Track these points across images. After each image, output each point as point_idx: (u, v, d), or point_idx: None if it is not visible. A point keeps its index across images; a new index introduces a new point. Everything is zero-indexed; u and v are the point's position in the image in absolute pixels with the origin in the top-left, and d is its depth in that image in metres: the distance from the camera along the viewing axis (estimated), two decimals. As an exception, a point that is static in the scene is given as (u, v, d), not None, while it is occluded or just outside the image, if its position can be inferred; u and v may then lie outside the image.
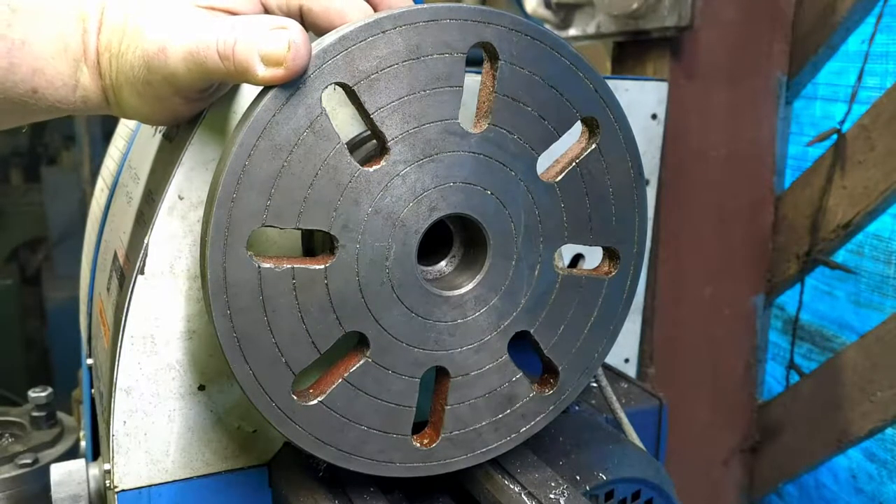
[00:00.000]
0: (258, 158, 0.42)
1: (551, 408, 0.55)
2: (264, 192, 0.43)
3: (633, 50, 1.04)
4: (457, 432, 0.52)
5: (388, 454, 0.51)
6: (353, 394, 0.49)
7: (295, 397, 0.47)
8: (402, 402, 0.50)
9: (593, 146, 0.51)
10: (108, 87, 0.49)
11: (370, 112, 0.44)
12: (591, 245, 0.53)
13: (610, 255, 0.55)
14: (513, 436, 0.55)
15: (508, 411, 0.54)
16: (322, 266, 0.45)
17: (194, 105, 0.50)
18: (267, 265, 0.44)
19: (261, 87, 0.43)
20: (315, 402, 0.48)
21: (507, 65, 0.46)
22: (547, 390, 0.55)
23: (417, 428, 0.52)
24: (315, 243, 0.53)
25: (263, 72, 0.42)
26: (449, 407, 0.52)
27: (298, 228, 0.44)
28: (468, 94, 0.47)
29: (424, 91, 0.45)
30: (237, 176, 0.42)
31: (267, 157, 0.42)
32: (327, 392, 0.48)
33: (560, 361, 0.54)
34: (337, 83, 0.43)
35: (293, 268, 0.45)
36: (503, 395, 0.53)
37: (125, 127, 0.86)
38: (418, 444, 0.52)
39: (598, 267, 0.55)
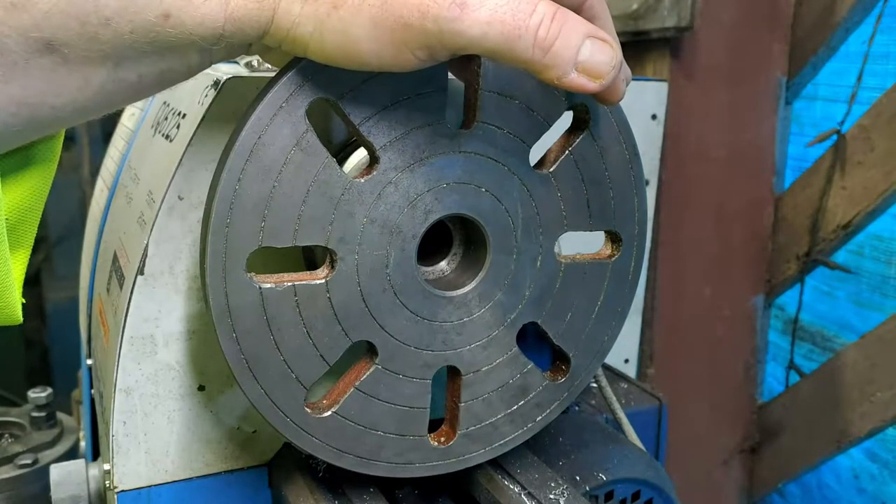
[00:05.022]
0: (248, 182, 0.42)
1: (566, 394, 0.56)
2: (258, 214, 0.43)
3: (632, 50, 1.04)
4: (473, 428, 0.53)
5: (406, 456, 0.51)
6: (366, 401, 0.49)
7: (308, 410, 0.47)
8: (416, 404, 0.50)
9: (585, 132, 0.50)
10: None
11: (356, 123, 0.43)
12: (591, 230, 0.53)
13: (612, 238, 0.55)
14: (529, 425, 0.55)
15: (523, 402, 0.54)
16: (323, 280, 0.45)
17: (422, 63, 0.40)
18: (268, 285, 0.44)
19: (253, 97, 0.43)
20: (329, 413, 0.48)
21: (489, 60, 0.46)
22: (560, 378, 0.55)
23: (434, 426, 0.52)
24: (316, 254, 0.53)
25: (575, 77, 0.39)
26: (463, 404, 0.52)
27: (296, 246, 0.44)
28: (454, 94, 0.47)
29: (409, 96, 0.44)
30: (229, 202, 0.42)
31: (257, 179, 0.42)
32: (340, 402, 0.48)
33: (570, 348, 0.54)
34: (320, 98, 0.42)
35: (294, 285, 0.45)
36: (516, 387, 0.53)
37: (125, 127, 0.86)
38: (436, 443, 0.52)
39: (600, 251, 0.55)
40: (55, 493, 0.60)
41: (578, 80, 0.39)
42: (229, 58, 0.41)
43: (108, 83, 0.37)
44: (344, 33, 0.38)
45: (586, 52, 0.39)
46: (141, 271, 0.52)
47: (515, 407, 0.54)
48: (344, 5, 0.37)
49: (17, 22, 0.33)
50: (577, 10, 0.42)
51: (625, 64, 0.45)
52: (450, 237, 0.53)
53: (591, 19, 0.42)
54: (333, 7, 0.38)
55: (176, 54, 0.38)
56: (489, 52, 0.38)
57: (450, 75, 0.46)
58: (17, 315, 0.40)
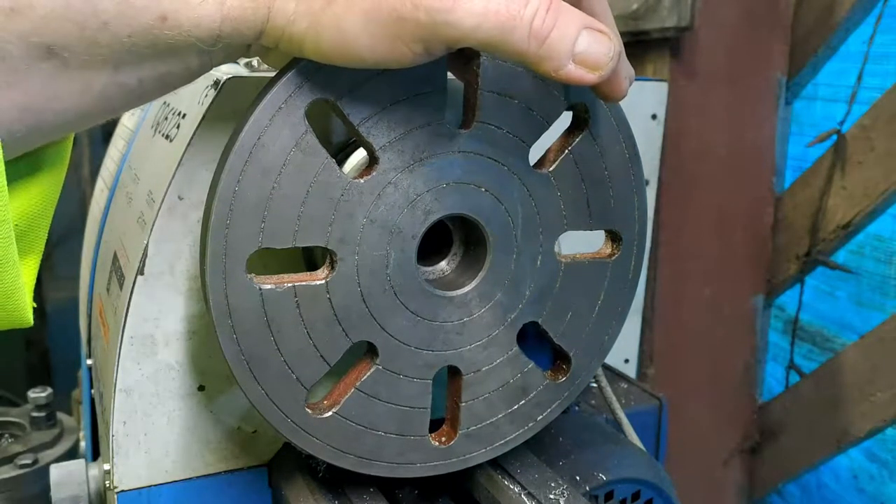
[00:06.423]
0: (248, 183, 0.42)
1: (566, 394, 0.56)
2: (257, 215, 0.43)
3: (632, 50, 1.04)
4: (474, 427, 0.53)
5: (407, 456, 0.51)
6: (367, 401, 0.49)
7: (309, 410, 0.47)
8: (416, 404, 0.50)
9: (585, 132, 0.50)
10: None
11: (355, 124, 0.43)
12: (591, 230, 0.53)
13: (612, 237, 0.55)
14: (530, 425, 0.55)
15: (523, 402, 0.54)
16: (323, 281, 0.45)
17: (418, 58, 0.39)
18: (268, 286, 0.44)
19: (251, 98, 0.43)
20: (330, 413, 0.48)
21: (488, 60, 0.46)
22: (560, 377, 0.55)
23: (435, 426, 0.52)
24: (316, 255, 0.53)
25: (572, 69, 0.38)
26: (464, 404, 0.52)
27: (296, 247, 0.44)
28: (453, 94, 0.47)
29: (408, 96, 0.44)
30: (229, 203, 0.42)
31: (256, 180, 0.42)
32: (341, 402, 0.48)
33: (570, 348, 0.54)
34: (319, 98, 0.42)
35: (294, 286, 0.45)
36: (517, 387, 0.53)
37: (125, 127, 0.86)
38: (437, 443, 0.52)
39: (600, 251, 0.55)
40: (55, 493, 0.60)
41: (576, 72, 0.39)
42: (228, 60, 0.41)
43: (110, 87, 0.37)
44: (338, 29, 0.38)
45: (583, 43, 0.38)
46: (141, 271, 0.52)
47: (516, 406, 0.54)
48: (337, 1, 0.37)
49: (16, 27, 0.33)
50: (576, 5, 0.42)
51: (628, 62, 0.44)
52: (450, 237, 0.53)
53: (590, 14, 0.42)
54: (327, 3, 0.37)
55: (175, 57, 0.38)
56: (484, 45, 0.38)
57: (449, 75, 0.46)
58: (28, 318, 0.40)
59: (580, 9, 0.41)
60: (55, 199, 0.42)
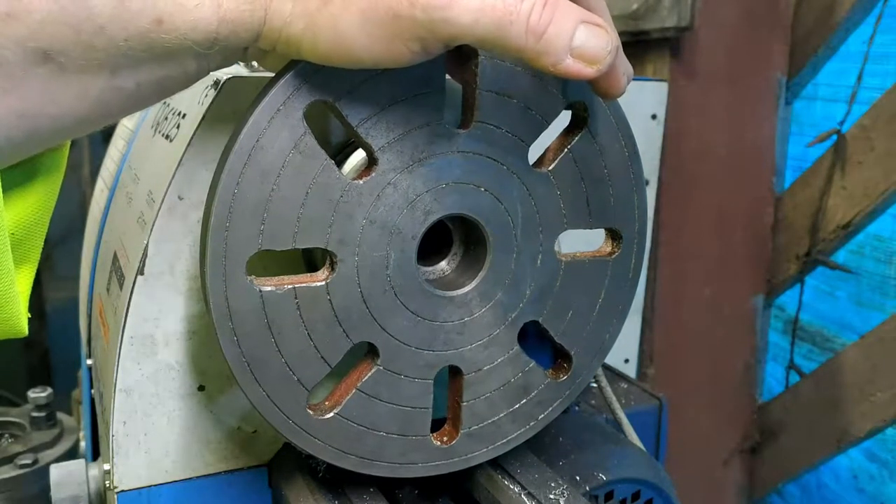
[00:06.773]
0: (247, 185, 0.42)
1: (567, 393, 0.56)
2: (257, 217, 0.43)
3: (632, 50, 1.04)
4: (476, 427, 0.53)
5: (409, 456, 0.51)
6: (368, 402, 0.49)
7: (311, 412, 0.47)
8: (418, 404, 0.50)
9: (584, 130, 0.50)
10: None
11: (354, 125, 0.43)
12: (591, 228, 0.53)
13: (612, 235, 0.55)
14: (531, 424, 0.55)
15: (525, 401, 0.54)
16: (323, 282, 0.45)
17: (416, 56, 0.39)
18: (268, 288, 0.44)
19: (251, 99, 0.43)
20: (331, 414, 0.48)
21: (487, 59, 0.46)
22: (562, 376, 0.55)
23: (436, 426, 0.52)
24: (315, 256, 0.53)
25: (570, 63, 0.38)
26: (465, 403, 0.52)
27: (295, 249, 0.44)
28: (452, 94, 0.47)
29: (406, 97, 0.44)
30: (228, 205, 0.42)
31: (256, 182, 0.42)
32: (342, 403, 0.48)
33: (571, 346, 0.54)
34: (318, 100, 0.42)
35: (294, 288, 0.45)
36: (518, 386, 0.53)
37: (125, 127, 0.86)
38: (438, 443, 0.52)
39: (600, 249, 0.55)
40: (55, 493, 0.60)
41: (574, 66, 0.39)
42: (226, 64, 0.41)
43: (107, 92, 0.37)
44: (335, 29, 0.38)
45: (581, 38, 0.38)
46: (141, 271, 0.52)
47: (517, 405, 0.54)
48: (333, 1, 0.37)
49: (12, 32, 0.33)
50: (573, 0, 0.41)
51: (626, 60, 0.44)
52: (450, 237, 0.53)
53: (586, 8, 0.42)
54: (323, 3, 0.37)
55: (172, 61, 0.38)
56: (481, 41, 0.38)
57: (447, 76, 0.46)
58: (23, 328, 0.39)
59: (577, 3, 0.41)
60: (51, 207, 0.42)
